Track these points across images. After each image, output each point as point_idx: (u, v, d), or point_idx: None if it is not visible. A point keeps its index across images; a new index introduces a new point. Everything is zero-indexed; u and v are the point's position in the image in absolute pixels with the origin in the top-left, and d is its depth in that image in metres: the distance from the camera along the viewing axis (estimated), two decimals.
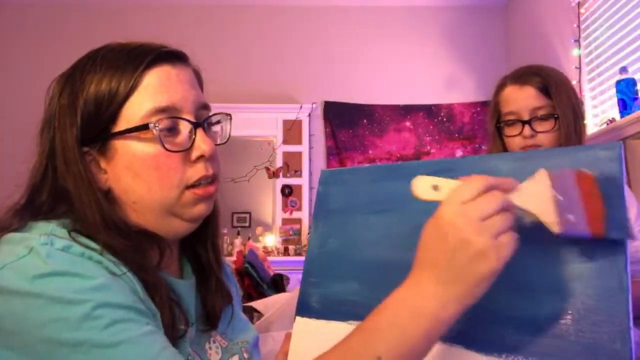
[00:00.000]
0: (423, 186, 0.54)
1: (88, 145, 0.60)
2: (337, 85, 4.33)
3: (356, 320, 0.64)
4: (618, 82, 2.39)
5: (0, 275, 0.50)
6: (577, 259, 0.55)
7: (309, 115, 4.29)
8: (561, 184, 0.53)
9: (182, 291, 0.67)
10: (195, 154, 0.62)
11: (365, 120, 4.32)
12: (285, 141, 4.27)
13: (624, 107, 2.35)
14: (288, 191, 4.23)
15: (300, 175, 4.23)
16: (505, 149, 1.28)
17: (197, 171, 0.62)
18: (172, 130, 0.61)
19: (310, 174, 4.23)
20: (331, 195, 0.80)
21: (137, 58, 0.61)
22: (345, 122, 4.30)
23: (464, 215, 0.48)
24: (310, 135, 4.30)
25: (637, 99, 2.32)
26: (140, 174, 0.59)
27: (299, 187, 4.21)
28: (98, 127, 0.59)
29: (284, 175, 4.23)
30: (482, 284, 0.49)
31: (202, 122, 0.64)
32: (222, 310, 0.73)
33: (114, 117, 0.59)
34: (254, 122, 4.09)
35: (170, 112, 0.61)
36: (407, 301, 0.51)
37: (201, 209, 0.64)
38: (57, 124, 0.61)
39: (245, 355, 0.74)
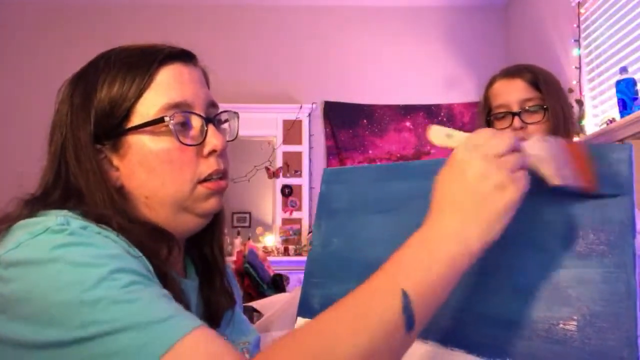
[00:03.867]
0: (438, 133, 0.57)
1: (101, 142, 0.62)
2: (337, 85, 4.33)
3: None
4: (618, 82, 2.39)
5: (16, 251, 0.51)
6: (583, 262, 0.53)
7: (309, 115, 4.29)
8: (554, 146, 0.55)
9: (186, 290, 0.67)
10: (207, 148, 0.63)
11: (365, 120, 4.32)
12: (285, 141, 4.27)
13: (624, 107, 2.35)
14: (288, 191, 4.23)
15: (300, 175, 4.23)
16: None
17: (210, 165, 0.64)
18: (185, 125, 0.63)
19: (310, 174, 4.23)
20: (334, 195, 0.79)
21: (150, 56, 0.63)
22: (345, 122, 4.30)
23: (480, 152, 0.50)
24: (310, 135, 4.30)
25: (637, 99, 2.32)
26: (154, 169, 0.60)
27: (299, 187, 4.21)
28: (112, 124, 0.61)
29: (284, 175, 4.23)
30: (504, 217, 0.50)
31: (213, 118, 0.66)
32: (225, 310, 0.73)
33: (128, 113, 0.61)
34: (254, 122, 4.08)
35: (183, 108, 0.62)
36: (429, 242, 0.50)
37: (213, 204, 0.65)
38: (70, 122, 0.62)
39: (247, 356, 0.74)
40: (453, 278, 0.49)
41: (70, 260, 0.49)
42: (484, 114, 1.30)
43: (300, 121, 4.27)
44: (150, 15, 4.34)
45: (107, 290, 0.48)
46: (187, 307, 0.61)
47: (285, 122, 4.28)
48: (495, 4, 4.40)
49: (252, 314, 1.93)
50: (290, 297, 1.83)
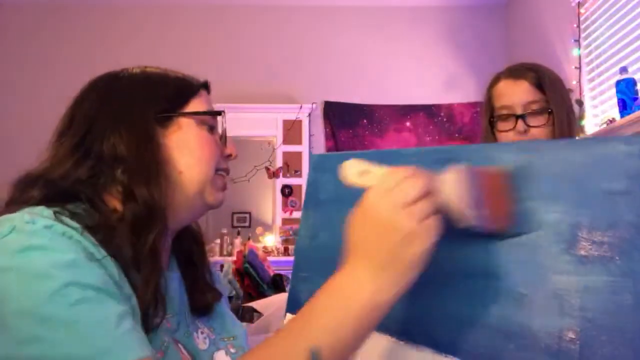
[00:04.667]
0: (352, 171, 0.55)
1: (155, 118, 0.70)
2: (337, 85, 4.33)
3: None
4: (618, 82, 2.39)
5: None
6: (586, 268, 0.49)
7: (309, 115, 4.29)
8: (473, 179, 0.53)
9: (169, 282, 0.71)
10: (227, 151, 0.76)
11: (365, 120, 4.32)
12: (285, 141, 4.27)
13: (624, 107, 2.35)
14: (288, 191, 4.23)
15: (300, 175, 4.22)
16: None
17: (224, 163, 0.76)
18: (214, 129, 0.76)
19: None
20: (322, 183, 0.77)
21: (194, 77, 0.77)
22: (345, 122, 4.30)
23: (389, 200, 0.50)
24: (310, 135, 4.30)
25: (637, 99, 2.32)
26: (194, 149, 0.70)
27: (299, 187, 4.21)
28: (175, 105, 0.71)
29: (284, 175, 4.23)
30: (415, 266, 0.50)
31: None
32: (209, 302, 0.77)
33: (187, 102, 0.72)
34: (254, 122, 4.09)
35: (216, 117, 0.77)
36: (343, 290, 0.52)
37: (221, 197, 0.74)
38: (127, 97, 0.70)
39: (232, 350, 0.76)
40: (367, 330, 0.51)
41: (28, 269, 0.51)
42: (488, 114, 1.28)
43: (300, 121, 4.27)
44: (149, 16, 4.34)
45: (57, 307, 0.50)
46: (162, 298, 0.64)
47: (285, 122, 4.28)
48: (495, 4, 4.40)
49: (252, 314, 1.93)
50: None
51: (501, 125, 1.23)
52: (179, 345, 0.68)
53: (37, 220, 0.55)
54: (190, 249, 0.79)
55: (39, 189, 0.63)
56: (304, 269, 0.75)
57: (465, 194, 0.52)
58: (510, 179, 0.55)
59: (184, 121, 0.71)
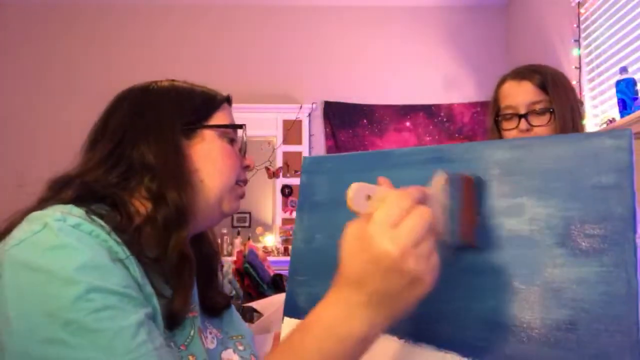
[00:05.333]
0: (358, 196, 0.50)
1: (181, 130, 0.74)
2: (337, 85, 4.33)
3: None
4: (618, 82, 2.39)
5: (17, 249, 0.56)
6: (580, 260, 0.50)
7: (309, 115, 4.30)
8: (451, 189, 0.52)
9: None
10: (245, 162, 0.80)
11: (365, 120, 4.32)
12: (285, 141, 4.27)
13: (624, 107, 2.35)
14: (288, 191, 4.23)
15: (300, 176, 4.22)
16: None
17: (243, 174, 0.80)
18: (234, 141, 0.79)
19: None
20: (315, 186, 0.77)
21: (217, 91, 0.81)
22: (345, 122, 4.30)
23: (398, 242, 0.47)
24: (310, 135, 4.30)
25: (637, 99, 2.32)
26: (216, 159, 0.75)
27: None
28: (199, 118, 0.76)
29: (284, 175, 4.23)
30: (413, 305, 0.50)
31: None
32: (219, 305, 0.81)
33: (210, 115, 0.77)
34: (254, 122, 4.06)
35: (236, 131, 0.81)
36: (334, 327, 0.50)
37: (237, 205, 0.78)
38: (157, 109, 0.74)
39: (240, 347, 0.78)
40: (360, 355, 0.51)
41: (55, 271, 0.54)
42: (493, 114, 1.33)
43: (300, 121, 4.27)
44: (149, 16, 4.34)
45: (80, 312, 0.52)
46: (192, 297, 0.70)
47: (285, 122, 4.28)
48: (496, 4, 4.40)
49: (252, 314, 1.93)
50: None
51: (505, 125, 1.28)
52: (203, 335, 0.71)
53: (68, 218, 0.58)
54: (206, 252, 0.82)
55: (73, 189, 0.67)
56: (301, 272, 0.74)
57: (440, 210, 0.51)
58: (476, 187, 0.55)
59: (208, 133, 0.75)
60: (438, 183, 0.53)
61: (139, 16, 4.34)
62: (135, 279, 0.60)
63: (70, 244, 0.56)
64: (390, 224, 0.48)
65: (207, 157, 0.74)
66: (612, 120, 2.51)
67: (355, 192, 0.50)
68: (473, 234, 0.55)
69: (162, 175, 0.69)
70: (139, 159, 0.70)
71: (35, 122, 4.06)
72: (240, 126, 0.80)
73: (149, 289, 0.61)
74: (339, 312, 0.51)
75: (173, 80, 0.80)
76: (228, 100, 0.82)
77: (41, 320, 0.52)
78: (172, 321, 0.64)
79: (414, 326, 0.61)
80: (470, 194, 0.55)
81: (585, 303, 0.49)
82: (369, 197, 0.50)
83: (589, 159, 0.51)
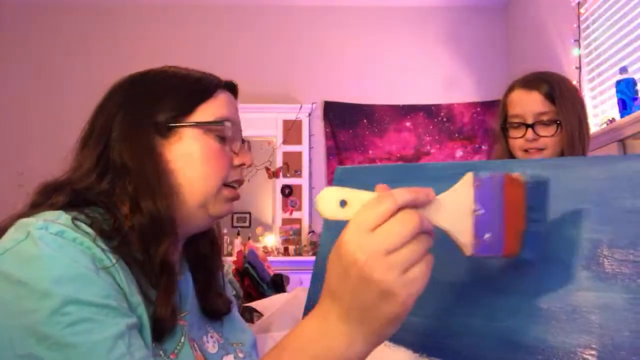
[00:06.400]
0: (329, 201, 0.46)
1: (155, 129, 0.67)
2: (337, 85, 4.33)
3: None
4: (618, 82, 2.39)
5: (1, 259, 0.54)
6: (606, 285, 0.48)
7: (309, 115, 4.30)
8: (486, 193, 0.47)
9: (182, 287, 0.71)
10: (238, 161, 0.72)
11: (365, 120, 4.32)
12: (285, 141, 4.27)
13: (624, 107, 2.35)
14: (288, 191, 4.23)
15: (300, 176, 4.22)
16: (509, 148, 1.35)
17: (236, 174, 0.72)
18: (228, 137, 0.71)
19: (310, 174, 4.23)
20: None
21: (212, 78, 0.73)
22: (345, 122, 4.30)
23: (367, 248, 0.43)
24: (310, 135, 4.30)
25: (637, 99, 2.32)
26: (195, 161, 0.67)
27: (299, 187, 4.21)
28: (177, 114, 0.68)
29: (284, 175, 4.23)
30: (391, 324, 0.45)
31: (245, 141, 0.76)
32: (219, 308, 0.77)
33: (192, 109, 0.68)
34: (254, 122, 4.07)
35: (233, 125, 0.72)
36: (316, 342, 0.48)
37: (227, 208, 0.71)
38: (135, 105, 0.68)
39: (241, 355, 0.76)
40: None
41: (32, 285, 0.52)
42: (501, 120, 1.35)
43: (300, 121, 4.27)
44: (149, 16, 4.34)
45: (55, 327, 0.50)
46: (178, 308, 0.65)
47: (285, 122, 4.28)
48: (495, 4, 4.40)
49: (252, 314, 1.93)
50: (290, 297, 1.83)
51: (512, 133, 1.31)
52: (195, 345, 0.68)
53: (50, 226, 0.56)
54: (205, 253, 0.77)
55: (65, 195, 0.64)
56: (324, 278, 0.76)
57: (471, 215, 0.46)
58: (527, 188, 0.51)
59: (187, 131, 0.67)
60: (465, 185, 0.48)
61: (138, 16, 4.34)
62: (121, 287, 0.57)
63: (48, 255, 0.53)
64: (365, 229, 0.43)
65: (187, 158, 0.66)
66: (612, 120, 2.51)
67: (325, 197, 0.46)
68: (517, 242, 0.49)
69: (136, 180, 0.64)
70: (120, 162, 0.65)
71: (35, 122, 4.07)
72: (221, 122, 0.69)
73: (136, 297, 0.59)
74: (316, 327, 0.48)
75: (165, 69, 0.72)
76: (230, 87, 0.73)
77: (18, 335, 0.51)
78: (158, 329, 0.61)
79: (429, 339, 0.60)
80: (515, 195, 0.49)
81: (610, 330, 0.46)
82: (344, 203, 0.46)
83: (622, 182, 0.49)
